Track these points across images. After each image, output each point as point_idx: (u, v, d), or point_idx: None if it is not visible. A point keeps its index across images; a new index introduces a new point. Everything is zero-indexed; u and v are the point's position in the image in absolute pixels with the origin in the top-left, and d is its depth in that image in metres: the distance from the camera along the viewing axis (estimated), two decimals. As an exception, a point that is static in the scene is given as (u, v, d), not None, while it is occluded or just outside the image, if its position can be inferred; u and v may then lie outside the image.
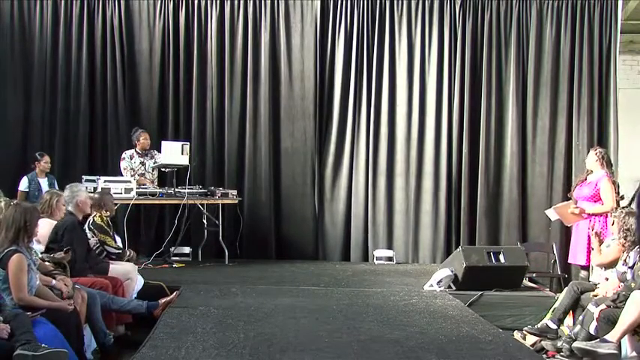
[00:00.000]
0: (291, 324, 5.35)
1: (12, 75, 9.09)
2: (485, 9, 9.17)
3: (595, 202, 6.84)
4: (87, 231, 6.37)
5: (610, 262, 5.99)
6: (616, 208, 6.36)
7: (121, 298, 5.85)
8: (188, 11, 9.20)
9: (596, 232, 6.39)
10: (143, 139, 8.47)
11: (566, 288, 6.12)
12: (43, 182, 8.24)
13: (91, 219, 6.49)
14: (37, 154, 8.39)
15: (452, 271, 6.89)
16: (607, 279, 5.94)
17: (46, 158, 8.36)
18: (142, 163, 8.50)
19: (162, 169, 8.67)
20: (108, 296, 5.64)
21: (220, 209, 8.53)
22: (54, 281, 5.04)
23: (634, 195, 7.24)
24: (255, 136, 9.19)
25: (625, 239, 5.74)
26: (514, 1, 9.17)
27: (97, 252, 6.40)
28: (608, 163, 6.98)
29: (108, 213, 6.67)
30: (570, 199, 7.23)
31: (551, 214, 7.40)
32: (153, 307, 5.82)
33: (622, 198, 7.13)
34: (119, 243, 6.84)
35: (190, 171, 8.47)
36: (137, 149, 8.50)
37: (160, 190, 8.20)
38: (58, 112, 9.07)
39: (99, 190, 7.53)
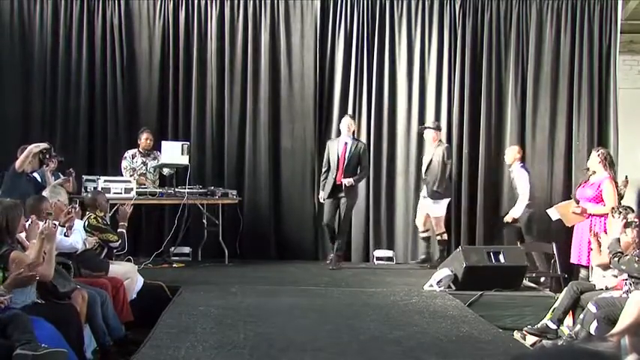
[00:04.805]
0: (291, 324, 5.35)
1: (12, 74, 9.08)
2: (485, 9, 9.16)
3: (597, 203, 6.84)
4: (84, 233, 6.32)
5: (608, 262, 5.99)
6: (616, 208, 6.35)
7: (112, 314, 5.58)
8: (188, 11, 9.18)
9: (595, 233, 6.38)
10: (145, 139, 8.45)
11: (566, 288, 6.12)
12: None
13: (85, 221, 6.40)
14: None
15: (452, 271, 6.89)
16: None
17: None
18: (144, 163, 8.49)
19: (163, 174, 8.65)
20: (107, 303, 5.51)
21: (220, 209, 8.52)
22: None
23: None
24: (255, 136, 9.18)
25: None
26: (514, 1, 9.16)
27: (96, 252, 6.39)
28: (610, 164, 6.98)
29: (102, 213, 6.63)
30: (572, 198, 7.23)
31: (553, 213, 7.40)
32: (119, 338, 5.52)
33: (622, 197, 7.14)
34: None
35: (190, 171, 8.46)
36: (139, 149, 8.50)
37: (160, 190, 8.20)
38: (57, 111, 9.07)
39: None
